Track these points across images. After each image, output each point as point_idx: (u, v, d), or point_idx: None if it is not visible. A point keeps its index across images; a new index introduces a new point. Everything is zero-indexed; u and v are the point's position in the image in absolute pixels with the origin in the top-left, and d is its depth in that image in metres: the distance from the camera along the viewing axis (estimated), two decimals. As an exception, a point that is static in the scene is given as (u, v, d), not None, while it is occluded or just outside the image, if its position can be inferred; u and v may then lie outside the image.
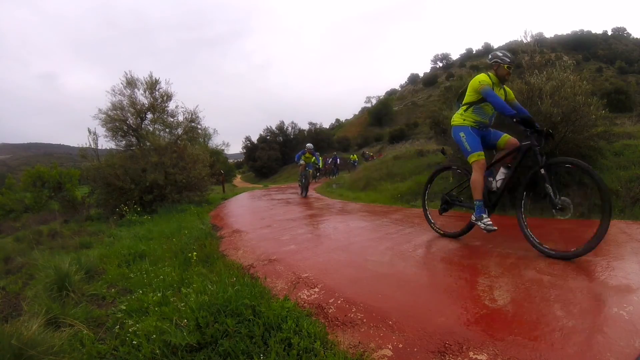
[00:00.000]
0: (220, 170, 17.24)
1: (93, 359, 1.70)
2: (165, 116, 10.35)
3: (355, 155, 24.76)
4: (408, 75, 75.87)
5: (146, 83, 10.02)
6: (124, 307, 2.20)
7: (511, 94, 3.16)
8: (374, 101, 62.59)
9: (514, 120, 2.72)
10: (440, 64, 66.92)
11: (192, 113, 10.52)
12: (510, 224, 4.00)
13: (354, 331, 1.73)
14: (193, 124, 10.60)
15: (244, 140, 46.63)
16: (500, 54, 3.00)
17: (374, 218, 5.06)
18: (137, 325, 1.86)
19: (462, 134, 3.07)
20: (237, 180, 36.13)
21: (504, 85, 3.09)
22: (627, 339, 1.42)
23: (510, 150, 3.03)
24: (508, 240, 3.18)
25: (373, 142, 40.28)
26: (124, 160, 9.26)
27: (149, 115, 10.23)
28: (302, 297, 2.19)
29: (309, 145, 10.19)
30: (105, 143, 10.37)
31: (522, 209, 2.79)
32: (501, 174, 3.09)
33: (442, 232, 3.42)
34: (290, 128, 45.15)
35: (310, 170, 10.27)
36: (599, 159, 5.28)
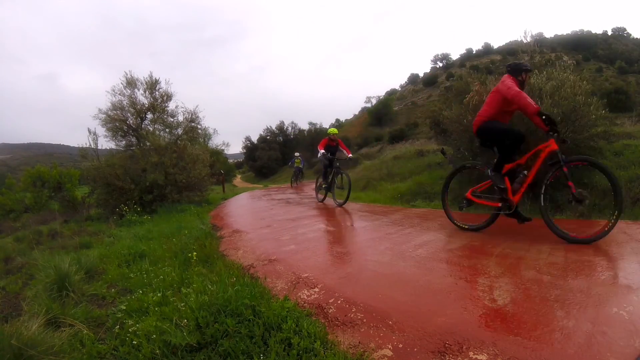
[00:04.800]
0: (220, 170, 17.26)
1: (93, 359, 1.70)
2: (165, 116, 10.34)
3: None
4: (408, 75, 75.88)
5: (146, 83, 10.01)
6: (124, 307, 2.20)
7: None
8: (374, 101, 62.56)
9: None
10: (440, 64, 66.86)
11: (192, 113, 10.52)
12: (510, 223, 4.00)
13: (354, 331, 1.73)
14: (193, 124, 10.59)
15: (244, 140, 46.67)
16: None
17: (373, 218, 5.06)
18: (137, 325, 1.86)
19: None
20: (237, 180, 36.12)
21: None
22: (627, 339, 1.42)
23: None
24: (508, 240, 3.18)
25: (373, 142, 40.22)
26: (124, 160, 9.26)
27: (149, 115, 10.22)
28: (302, 297, 2.19)
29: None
30: (105, 143, 10.37)
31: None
32: None
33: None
34: (290, 128, 45.19)
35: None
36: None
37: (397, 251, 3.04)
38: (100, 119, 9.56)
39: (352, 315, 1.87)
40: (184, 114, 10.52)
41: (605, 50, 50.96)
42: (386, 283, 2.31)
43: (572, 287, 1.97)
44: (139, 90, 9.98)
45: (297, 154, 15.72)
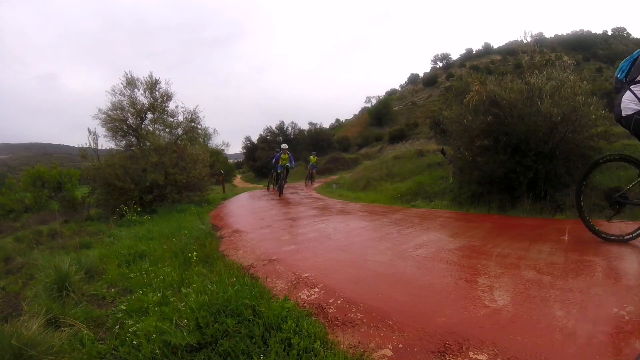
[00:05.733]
0: (220, 170, 17.24)
1: (93, 359, 1.70)
2: (165, 116, 10.35)
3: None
4: (408, 75, 75.92)
5: (146, 83, 10.02)
6: (124, 307, 2.20)
7: None
8: (374, 101, 62.68)
9: None
10: (440, 64, 66.88)
11: (192, 113, 10.53)
12: (510, 224, 4.01)
13: (354, 331, 1.73)
14: (193, 124, 10.60)
15: (244, 140, 46.62)
16: None
17: (374, 218, 5.06)
18: (137, 325, 1.86)
19: None
20: (237, 180, 36.10)
21: None
22: (627, 339, 1.42)
23: None
24: (508, 240, 3.18)
25: (373, 142, 40.25)
26: (124, 160, 9.26)
27: (149, 115, 10.23)
28: (302, 297, 2.19)
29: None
30: (105, 143, 10.35)
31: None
32: None
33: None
34: (290, 128, 45.12)
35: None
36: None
37: (397, 251, 3.04)
38: (100, 119, 9.58)
39: (352, 315, 1.87)
40: (184, 114, 10.54)
41: (605, 50, 50.97)
42: (386, 283, 2.31)
43: (572, 287, 1.97)
44: (139, 90, 10.00)
45: (284, 146, 10.41)
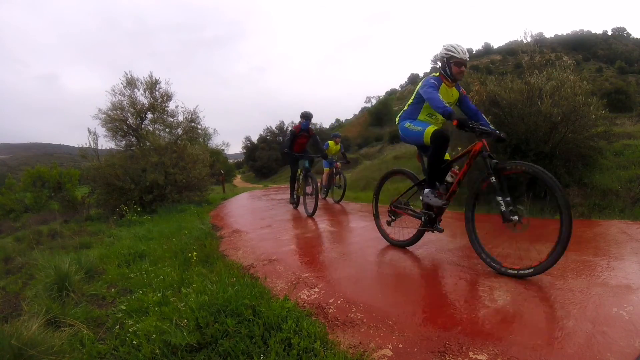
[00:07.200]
0: (220, 170, 17.24)
1: (93, 359, 1.70)
2: (165, 116, 10.34)
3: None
4: (408, 75, 76.03)
5: (146, 83, 10.01)
6: (124, 307, 2.20)
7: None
8: (374, 101, 62.90)
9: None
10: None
11: (192, 113, 10.51)
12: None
13: (354, 331, 1.73)
14: (193, 124, 10.58)
15: (244, 140, 46.77)
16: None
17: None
18: (137, 325, 1.86)
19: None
20: (237, 180, 36.12)
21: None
22: (627, 339, 1.42)
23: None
24: (508, 240, 3.18)
25: (373, 142, 40.27)
26: (124, 160, 9.26)
27: (149, 115, 10.22)
28: (302, 297, 2.19)
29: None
30: (105, 143, 10.36)
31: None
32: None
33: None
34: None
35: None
36: (599, 159, 5.28)
37: (397, 251, 3.04)
38: (100, 119, 9.57)
39: (352, 315, 1.87)
40: (184, 114, 10.53)
41: (605, 50, 51.00)
42: (386, 283, 2.31)
43: (572, 287, 1.97)
44: (139, 90, 9.99)
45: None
